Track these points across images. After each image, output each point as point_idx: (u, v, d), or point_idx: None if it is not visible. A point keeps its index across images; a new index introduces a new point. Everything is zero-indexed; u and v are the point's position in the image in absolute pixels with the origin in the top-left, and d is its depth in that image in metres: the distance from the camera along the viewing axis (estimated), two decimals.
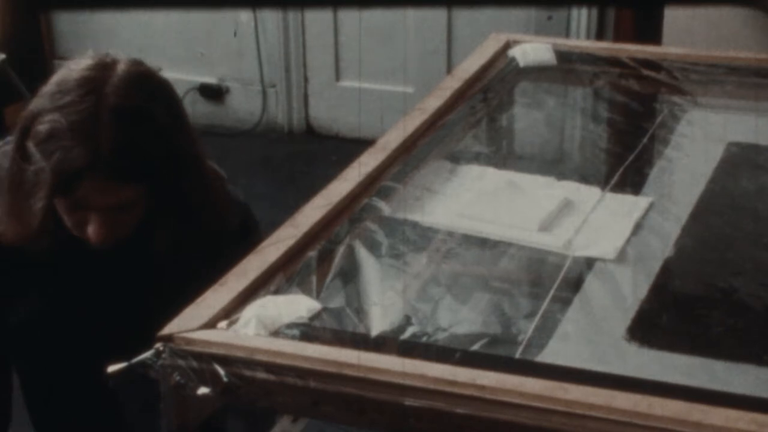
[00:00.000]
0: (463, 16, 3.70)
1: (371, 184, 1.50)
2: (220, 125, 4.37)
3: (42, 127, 1.37)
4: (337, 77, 4.11)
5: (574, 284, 1.31)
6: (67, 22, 4.49)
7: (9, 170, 1.44)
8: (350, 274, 1.29)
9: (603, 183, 1.58)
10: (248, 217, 1.63)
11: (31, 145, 1.38)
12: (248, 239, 1.48)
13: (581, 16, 3.58)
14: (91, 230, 1.40)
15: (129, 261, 1.52)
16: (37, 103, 1.40)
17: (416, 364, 1.05)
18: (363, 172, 1.50)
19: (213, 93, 4.41)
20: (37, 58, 4.44)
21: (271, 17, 4.03)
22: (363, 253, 1.33)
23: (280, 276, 1.25)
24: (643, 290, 1.30)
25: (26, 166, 1.39)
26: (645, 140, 1.73)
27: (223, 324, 1.14)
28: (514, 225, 1.43)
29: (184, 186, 1.46)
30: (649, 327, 1.23)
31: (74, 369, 1.58)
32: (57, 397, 1.65)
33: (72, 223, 1.43)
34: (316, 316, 1.17)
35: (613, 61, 1.98)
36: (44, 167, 1.36)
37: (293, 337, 1.12)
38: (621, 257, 1.37)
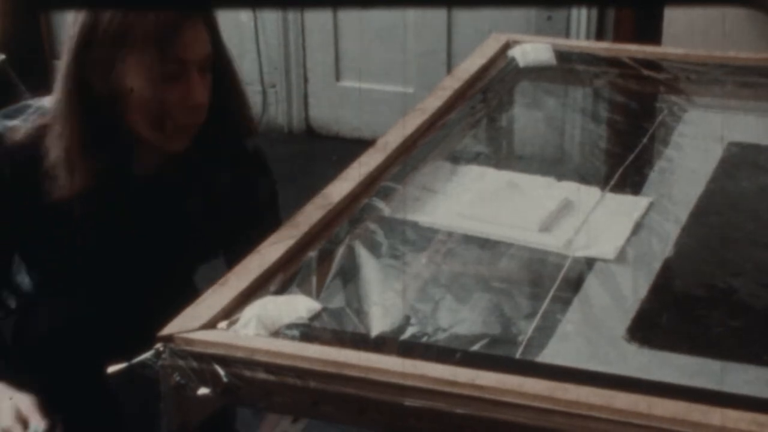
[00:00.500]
0: (463, 16, 3.70)
1: (371, 184, 1.50)
2: None
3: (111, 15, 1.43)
4: (337, 77, 4.11)
5: (574, 284, 1.31)
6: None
7: (68, 96, 1.47)
8: (350, 275, 1.29)
9: (603, 183, 1.58)
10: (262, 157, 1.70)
11: (100, 45, 1.44)
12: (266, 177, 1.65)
13: (581, 16, 3.57)
14: (196, 90, 1.46)
15: (165, 193, 1.58)
16: (80, 23, 1.45)
17: (416, 365, 1.05)
18: (363, 172, 1.50)
19: None
20: (37, 58, 4.44)
21: (270, 17, 4.02)
22: (363, 254, 1.33)
23: (280, 276, 1.25)
24: (643, 290, 1.30)
25: (106, 71, 1.44)
26: (645, 140, 1.73)
27: (223, 324, 1.14)
28: (514, 225, 1.43)
29: (229, 71, 1.56)
30: (649, 327, 1.23)
31: (82, 361, 1.58)
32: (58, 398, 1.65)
33: (173, 99, 1.46)
34: (316, 316, 1.17)
35: (613, 61, 1.98)
36: (138, 34, 1.42)
37: (293, 338, 1.12)
38: (621, 257, 1.37)
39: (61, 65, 1.49)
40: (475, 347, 1.16)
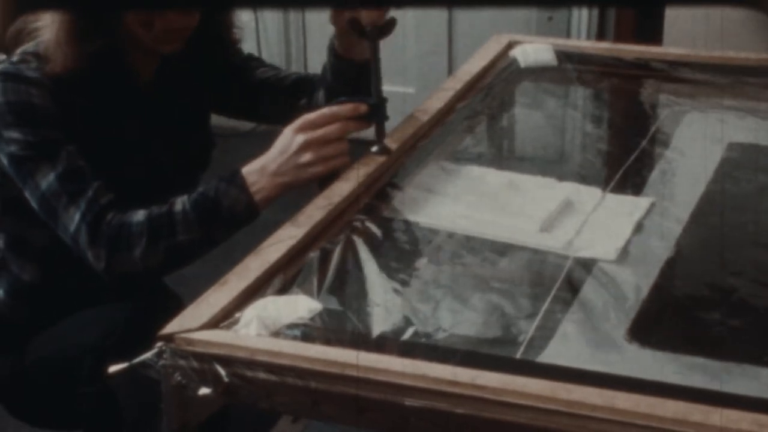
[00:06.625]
0: (464, 16, 3.69)
1: (372, 185, 1.50)
2: (221, 126, 4.36)
3: None
4: None
5: (575, 285, 1.31)
6: None
7: None
8: (351, 275, 1.29)
9: (604, 183, 1.58)
10: None
11: None
12: None
13: (582, 17, 3.57)
14: None
15: (167, 98, 1.65)
16: None
17: (417, 365, 1.05)
18: (364, 173, 1.50)
19: None
20: None
21: (271, 18, 4.02)
22: (364, 254, 1.33)
23: (281, 276, 1.25)
24: (643, 291, 1.30)
25: None
26: (645, 141, 1.73)
27: (224, 324, 1.14)
28: (514, 226, 1.43)
29: None
30: (650, 327, 1.23)
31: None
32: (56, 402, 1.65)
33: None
34: (316, 316, 1.17)
35: (614, 62, 1.98)
36: None
37: (294, 338, 1.12)
38: (622, 258, 1.37)
39: None
40: (476, 347, 1.16)
